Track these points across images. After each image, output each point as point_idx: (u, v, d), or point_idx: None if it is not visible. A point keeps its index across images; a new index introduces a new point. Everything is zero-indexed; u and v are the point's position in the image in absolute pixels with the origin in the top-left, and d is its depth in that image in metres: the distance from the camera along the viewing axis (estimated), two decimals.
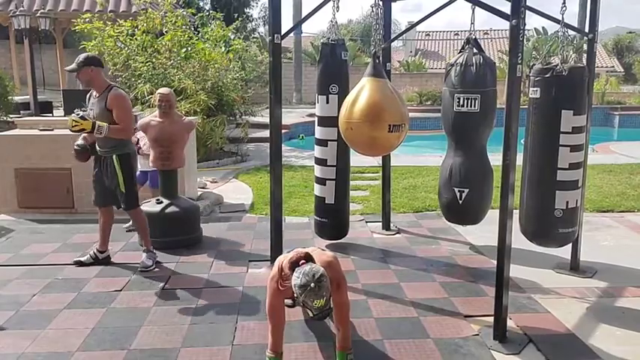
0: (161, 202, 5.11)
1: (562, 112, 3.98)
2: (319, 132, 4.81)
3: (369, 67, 3.88)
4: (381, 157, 5.78)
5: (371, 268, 4.60)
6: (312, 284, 2.54)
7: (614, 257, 4.76)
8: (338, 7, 4.29)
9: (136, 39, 10.28)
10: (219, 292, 4.12)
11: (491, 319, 3.37)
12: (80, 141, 4.51)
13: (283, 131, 5.92)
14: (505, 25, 3.16)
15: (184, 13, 11.56)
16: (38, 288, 4.15)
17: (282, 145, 4.70)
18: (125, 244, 5.16)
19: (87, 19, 10.64)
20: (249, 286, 4.18)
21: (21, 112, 12.66)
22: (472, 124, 4.59)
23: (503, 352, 3.19)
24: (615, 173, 8.54)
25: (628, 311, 3.76)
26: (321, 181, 4.88)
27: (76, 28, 10.81)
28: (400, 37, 19.73)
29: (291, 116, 15.69)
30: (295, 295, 2.66)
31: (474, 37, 4.67)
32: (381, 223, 5.71)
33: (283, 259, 2.85)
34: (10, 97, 12.90)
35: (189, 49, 10.40)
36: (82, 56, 4.33)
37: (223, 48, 11.55)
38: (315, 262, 2.71)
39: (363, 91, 3.77)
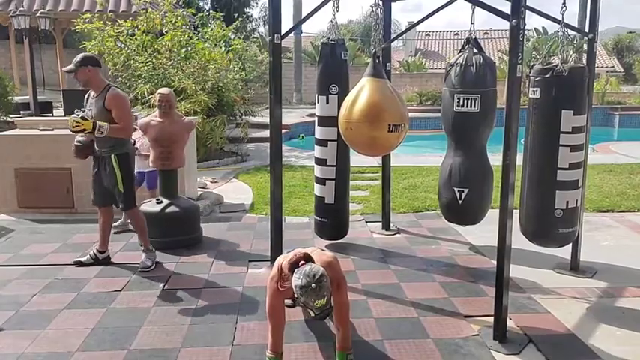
0: (161, 202, 5.11)
1: (562, 112, 3.98)
2: (319, 132, 4.81)
3: (369, 67, 3.88)
4: (381, 157, 5.78)
5: (371, 268, 4.60)
6: (313, 284, 2.54)
7: (614, 257, 4.76)
8: (338, 7, 4.28)
9: (136, 39, 10.28)
10: (219, 292, 4.12)
11: (491, 319, 3.37)
12: (81, 137, 4.49)
13: (283, 131, 5.92)
14: (505, 25, 3.16)
15: (184, 13, 11.56)
16: (38, 288, 4.15)
17: (282, 145, 4.70)
18: (125, 244, 5.16)
19: (87, 19, 10.65)
20: (249, 286, 4.18)
21: (21, 112, 12.69)
22: (472, 124, 4.59)
23: (503, 352, 3.19)
24: (615, 173, 8.54)
25: (628, 311, 3.76)
26: (321, 181, 4.88)
27: (76, 28, 10.83)
28: (400, 37, 19.73)
29: (291, 116, 15.69)
30: (296, 295, 2.66)
31: (474, 37, 4.67)
32: (381, 223, 5.71)
33: (283, 259, 2.85)
34: (10, 97, 12.91)
35: (189, 49, 10.41)
36: (79, 56, 4.34)
37: (223, 48, 11.56)
38: (314, 262, 2.71)
39: (362, 91, 3.77)
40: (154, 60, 9.96)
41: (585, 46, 4.51)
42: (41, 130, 6.62)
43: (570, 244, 4.37)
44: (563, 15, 3.98)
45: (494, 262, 3.32)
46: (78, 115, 4.20)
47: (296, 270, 2.63)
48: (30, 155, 6.30)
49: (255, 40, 25.42)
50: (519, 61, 3.07)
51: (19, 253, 4.97)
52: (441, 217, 5.25)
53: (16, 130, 7.41)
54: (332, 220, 5.00)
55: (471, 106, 4.49)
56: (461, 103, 4.52)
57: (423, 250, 5.06)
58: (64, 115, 6.64)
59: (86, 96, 4.51)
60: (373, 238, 5.43)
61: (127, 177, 4.44)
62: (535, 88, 4.07)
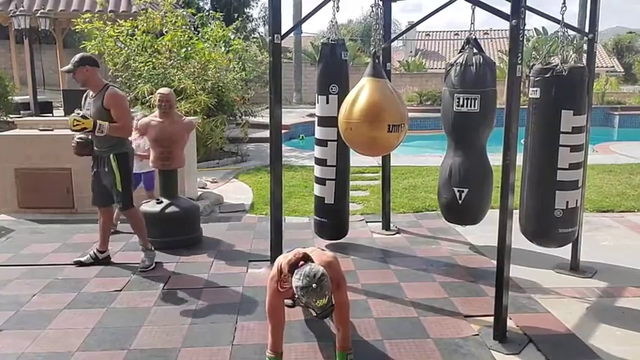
0: (161, 202, 5.11)
1: (562, 112, 3.98)
2: (319, 132, 4.81)
3: (368, 67, 3.88)
4: (380, 157, 5.78)
5: (371, 268, 4.60)
6: (314, 284, 2.54)
7: (614, 257, 4.76)
8: (338, 7, 4.28)
9: (135, 39, 10.28)
10: (219, 292, 4.12)
11: (491, 319, 3.37)
12: (82, 135, 4.49)
13: (283, 131, 5.92)
14: (505, 25, 3.16)
15: (184, 13, 11.56)
16: (38, 288, 4.15)
17: (282, 145, 4.70)
18: (125, 244, 5.16)
19: (87, 19, 10.64)
20: (249, 286, 4.18)
21: (21, 112, 12.69)
22: (472, 124, 4.59)
23: (503, 352, 3.19)
24: (615, 173, 8.54)
25: (628, 311, 3.76)
26: (321, 181, 4.88)
27: (76, 28, 10.82)
28: (400, 37, 19.74)
29: (291, 116, 15.69)
30: (297, 296, 2.65)
31: (474, 37, 4.67)
32: (381, 223, 5.71)
33: (282, 259, 2.85)
34: (10, 97, 12.91)
35: (189, 49, 10.41)
36: (77, 56, 4.35)
37: (223, 48, 11.55)
38: (313, 262, 2.71)
39: (362, 91, 3.77)
40: (154, 60, 9.96)
41: (585, 46, 4.51)
42: (41, 130, 6.62)
43: (570, 244, 4.37)
44: (563, 15, 3.98)
45: (494, 262, 3.32)
46: (78, 113, 4.21)
47: (296, 271, 2.63)
48: (30, 155, 6.30)
49: (255, 40, 25.41)
50: (519, 61, 3.07)
51: (19, 253, 4.97)
52: (441, 217, 5.25)
53: (16, 130, 7.41)
54: (332, 220, 5.00)
55: (470, 106, 4.49)
56: (461, 103, 4.52)
57: (423, 250, 5.06)
58: (64, 115, 6.64)
59: (84, 96, 4.52)
60: (373, 238, 5.43)
61: (125, 176, 4.44)
62: (535, 88, 4.08)
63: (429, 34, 38.18)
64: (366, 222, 5.97)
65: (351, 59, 20.88)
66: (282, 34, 4.26)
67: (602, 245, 5.18)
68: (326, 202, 4.88)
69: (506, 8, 3.11)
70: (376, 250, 5.07)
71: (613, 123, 18.07)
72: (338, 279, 2.85)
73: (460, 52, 4.73)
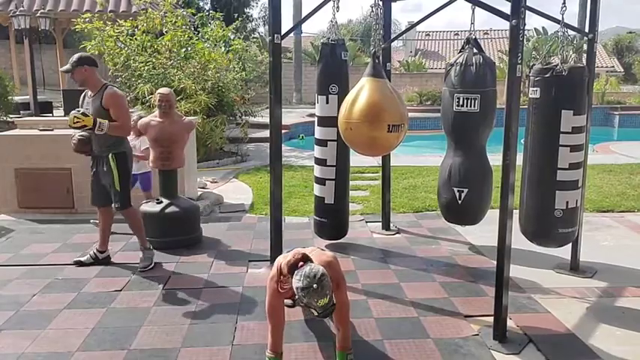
0: (161, 202, 5.11)
1: (562, 112, 3.98)
2: (319, 132, 4.81)
3: (368, 67, 3.88)
4: (380, 157, 5.78)
5: (371, 268, 4.60)
6: (315, 285, 2.54)
7: (614, 257, 4.76)
8: (338, 7, 4.28)
9: (135, 39, 10.27)
10: (219, 292, 4.12)
11: (491, 319, 3.37)
12: (83, 132, 4.47)
13: (283, 131, 5.92)
14: (505, 25, 3.16)
15: (184, 13, 11.56)
16: (38, 288, 4.15)
17: (282, 145, 4.70)
18: (125, 244, 5.16)
19: (87, 19, 10.63)
20: (249, 287, 4.18)
21: (21, 112, 12.70)
22: (472, 124, 4.59)
23: (503, 352, 3.19)
24: (615, 173, 8.54)
25: (628, 311, 3.76)
26: (321, 181, 4.88)
27: (76, 28, 10.81)
28: (400, 37, 19.74)
29: (291, 116, 15.70)
30: (297, 296, 2.65)
31: (474, 37, 4.67)
32: (381, 223, 5.71)
33: (282, 259, 2.85)
34: (10, 97, 12.92)
35: (189, 49, 10.40)
36: (75, 56, 4.35)
37: (223, 48, 11.55)
38: (312, 262, 2.71)
39: (362, 91, 3.77)
40: (153, 60, 9.96)
41: (585, 46, 4.51)
42: (41, 130, 6.62)
43: (570, 244, 4.38)
44: (563, 15, 3.98)
45: (494, 262, 3.32)
46: (78, 110, 4.20)
47: (296, 272, 2.63)
48: (30, 155, 6.30)
49: (255, 40, 25.40)
50: (519, 61, 3.07)
51: (19, 253, 4.97)
52: (441, 217, 5.24)
53: (16, 130, 7.41)
54: (332, 220, 5.00)
55: (470, 106, 4.49)
56: (461, 103, 4.52)
57: (423, 250, 5.06)
58: (64, 115, 6.64)
59: (82, 96, 4.52)
60: (373, 238, 5.43)
61: (123, 176, 4.44)
62: (535, 88, 4.08)
63: (429, 34, 38.18)
64: (366, 222, 5.97)
65: (351, 59, 20.89)
66: (282, 34, 4.26)
67: (602, 245, 5.17)
68: (326, 202, 4.88)
69: (506, 8, 3.11)
70: (376, 250, 5.07)
71: (613, 123, 18.07)
72: (338, 279, 2.85)
73: (460, 52, 4.73)
